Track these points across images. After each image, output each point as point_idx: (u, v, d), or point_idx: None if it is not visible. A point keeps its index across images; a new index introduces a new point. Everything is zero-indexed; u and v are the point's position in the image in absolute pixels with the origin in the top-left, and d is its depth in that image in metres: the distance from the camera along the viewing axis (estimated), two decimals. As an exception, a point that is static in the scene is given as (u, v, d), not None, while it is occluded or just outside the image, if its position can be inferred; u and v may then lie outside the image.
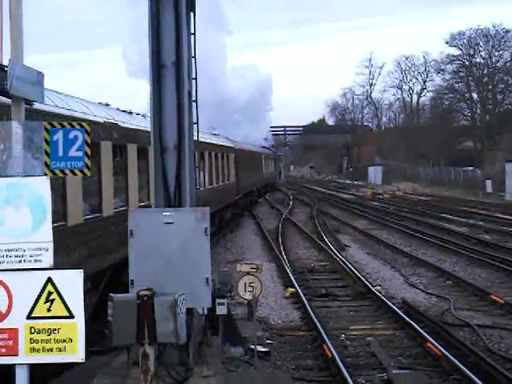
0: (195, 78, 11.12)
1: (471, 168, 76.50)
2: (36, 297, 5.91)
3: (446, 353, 12.75)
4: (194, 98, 11.07)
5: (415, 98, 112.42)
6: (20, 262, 5.94)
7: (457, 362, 12.23)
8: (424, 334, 14.18)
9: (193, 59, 10.99)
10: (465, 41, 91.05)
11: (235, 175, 38.75)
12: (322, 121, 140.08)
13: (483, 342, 14.19)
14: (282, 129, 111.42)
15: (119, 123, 15.79)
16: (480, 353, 12.80)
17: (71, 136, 6.30)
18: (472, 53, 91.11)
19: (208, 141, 29.65)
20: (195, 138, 11.09)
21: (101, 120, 14.49)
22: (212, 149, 30.49)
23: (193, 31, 10.99)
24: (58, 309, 5.91)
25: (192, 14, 10.96)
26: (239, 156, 40.70)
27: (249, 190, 46.08)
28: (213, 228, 29.25)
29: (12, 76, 6.04)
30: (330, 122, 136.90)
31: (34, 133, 6.18)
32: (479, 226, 36.10)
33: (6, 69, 6.09)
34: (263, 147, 66.57)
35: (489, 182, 64.40)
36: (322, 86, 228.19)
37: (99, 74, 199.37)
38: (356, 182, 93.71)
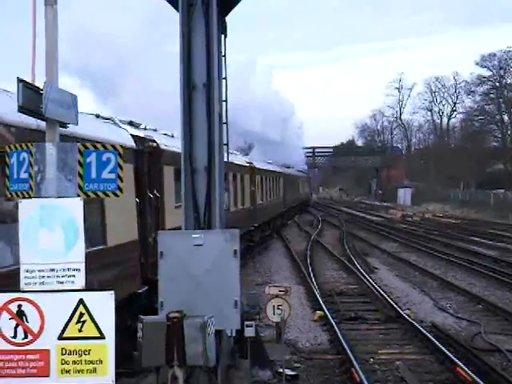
0: (226, 100, 11.17)
1: (502, 190, 75.82)
2: (68, 318, 5.94)
3: (477, 378, 12.58)
4: (224, 120, 11.12)
5: (445, 119, 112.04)
6: (52, 283, 5.99)
7: (487, 389, 12.07)
8: (454, 358, 14.01)
9: (223, 81, 11.05)
10: (495, 62, 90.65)
11: (283, 193, 51.51)
12: (351, 142, 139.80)
13: (514, 368, 14.00)
14: (311, 150, 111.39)
15: None
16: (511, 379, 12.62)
17: (104, 158, 6.35)
18: (503, 74, 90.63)
19: (270, 169, 44.55)
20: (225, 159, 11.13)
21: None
22: (271, 174, 44.26)
23: (224, 53, 11.06)
24: (89, 330, 5.94)
25: (223, 36, 11.05)
26: (285, 179, 53.42)
27: (291, 206, 59.57)
28: (269, 230, 43.18)
29: (47, 98, 6.12)
30: (359, 143, 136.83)
31: (68, 155, 6.24)
32: (509, 249, 35.72)
33: (41, 91, 6.16)
34: (299, 171, 77.33)
35: (520, 205, 63.84)
36: (351, 106, 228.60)
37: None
38: (385, 204, 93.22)
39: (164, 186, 16.15)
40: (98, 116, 14.59)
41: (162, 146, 16.40)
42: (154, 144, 15.86)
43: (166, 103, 35.86)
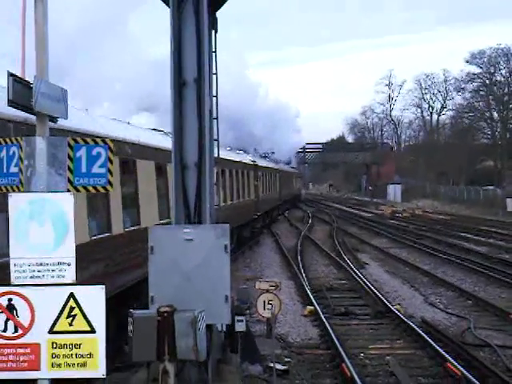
0: (216, 96, 11.18)
1: (491, 187, 76.07)
2: (58, 312, 5.94)
3: (466, 373, 12.64)
4: (214, 116, 11.13)
5: (435, 116, 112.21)
6: (43, 277, 5.99)
7: (477, 383, 12.11)
8: (444, 353, 14.07)
9: (214, 76, 11.05)
10: (485, 59, 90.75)
11: (279, 188, 56.98)
12: (341, 138, 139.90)
13: (503, 363, 14.05)
14: (302, 146, 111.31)
15: None
16: (501, 373, 12.67)
17: (94, 153, 6.36)
18: (492, 71, 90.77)
19: (269, 166, 50.51)
20: (215, 154, 11.14)
21: None
22: (270, 171, 49.84)
23: (214, 49, 11.06)
24: (79, 324, 5.94)
25: (214, 31, 11.05)
26: (281, 175, 59.37)
27: (286, 199, 65.90)
28: (267, 221, 48.45)
29: (37, 93, 6.11)
30: (350, 139, 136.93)
31: (58, 149, 6.23)
32: (499, 246, 35.86)
33: (31, 85, 6.15)
34: (292, 167, 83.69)
35: (509, 201, 64.04)
36: (341, 103, 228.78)
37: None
38: (375, 200, 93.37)
39: None
40: (154, 129, 18.30)
41: None
42: None
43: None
